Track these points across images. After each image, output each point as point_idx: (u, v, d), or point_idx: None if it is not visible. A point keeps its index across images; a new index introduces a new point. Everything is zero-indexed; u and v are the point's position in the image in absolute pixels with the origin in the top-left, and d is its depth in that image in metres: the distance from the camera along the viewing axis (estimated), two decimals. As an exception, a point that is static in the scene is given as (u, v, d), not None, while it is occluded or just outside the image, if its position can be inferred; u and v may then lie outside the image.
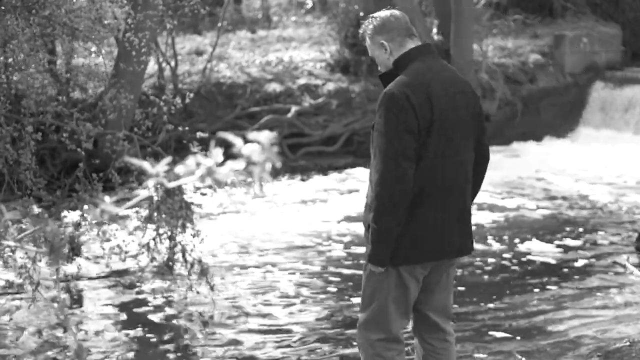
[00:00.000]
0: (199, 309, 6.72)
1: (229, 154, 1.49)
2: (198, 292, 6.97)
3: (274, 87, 13.28)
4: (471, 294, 7.00)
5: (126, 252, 6.82)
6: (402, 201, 3.45)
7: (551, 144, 13.81)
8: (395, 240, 3.50)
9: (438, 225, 3.58)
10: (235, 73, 13.61)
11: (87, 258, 7.32)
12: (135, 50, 7.55)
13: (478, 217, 9.61)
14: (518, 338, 5.97)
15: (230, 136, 1.40)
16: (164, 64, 12.74)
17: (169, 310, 6.78)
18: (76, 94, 10.69)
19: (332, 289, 7.26)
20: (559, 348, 5.72)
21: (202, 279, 6.79)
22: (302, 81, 13.48)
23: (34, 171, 6.43)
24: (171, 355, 5.86)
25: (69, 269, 6.74)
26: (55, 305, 6.49)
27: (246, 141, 1.44)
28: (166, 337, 6.21)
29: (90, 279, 7.35)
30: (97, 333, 6.28)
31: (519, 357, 5.54)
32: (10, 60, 6.59)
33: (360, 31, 3.77)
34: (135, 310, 6.77)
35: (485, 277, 7.50)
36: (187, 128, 7.68)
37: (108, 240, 6.69)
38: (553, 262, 7.94)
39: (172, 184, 1.44)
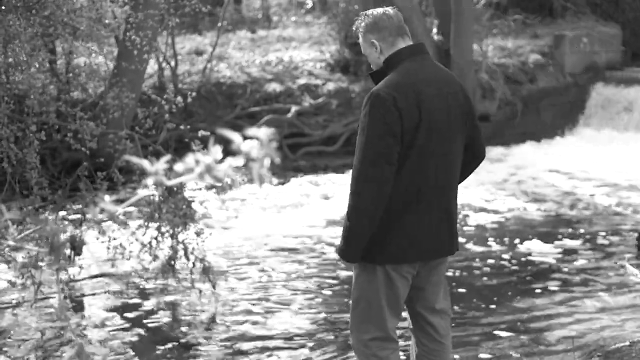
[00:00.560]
0: (200, 309, 6.73)
1: (229, 151, 1.49)
2: (200, 291, 6.98)
3: (274, 87, 13.28)
4: (471, 294, 7.00)
5: (130, 252, 6.83)
6: (377, 201, 3.46)
7: (551, 144, 13.82)
8: (368, 238, 3.51)
9: (426, 224, 3.59)
10: (235, 73, 13.62)
11: (89, 258, 7.32)
12: (136, 49, 7.56)
13: (477, 218, 9.61)
14: (518, 338, 5.97)
15: (228, 133, 1.40)
16: (164, 64, 12.74)
17: (169, 310, 6.77)
18: (76, 94, 10.69)
19: (328, 291, 7.26)
20: (559, 348, 5.72)
21: (204, 278, 6.80)
22: (302, 81, 13.48)
23: (38, 170, 6.45)
24: (172, 356, 5.86)
25: (71, 269, 6.74)
26: (56, 305, 6.49)
27: (245, 138, 1.44)
28: (167, 337, 6.20)
29: (91, 277, 7.35)
30: (97, 333, 6.28)
31: (519, 357, 5.54)
32: (10, 60, 6.60)
33: (354, 28, 3.76)
34: (135, 310, 6.77)
35: (485, 277, 7.50)
36: (188, 127, 7.69)
37: (113, 239, 6.69)
38: (553, 262, 7.94)
39: (171, 182, 1.44)
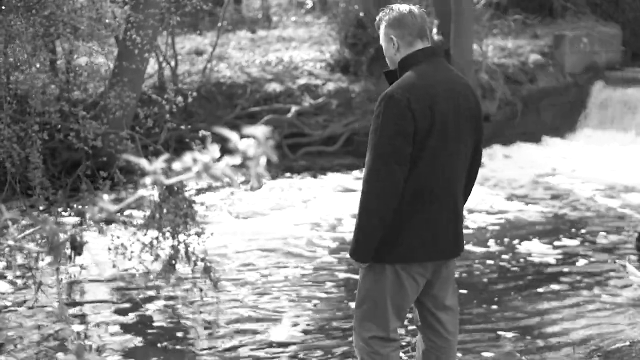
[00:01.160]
0: (202, 309, 6.73)
1: (227, 150, 1.49)
2: (201, 290, 6.98)
3: (274, 87, 13.28)
4: (471, 294, 7.00)
5: (131, 252, 6.84)
6: (388, 202, 3.48)
7: (551, 144, 13.81)
8: (379, 238, 3.53)
9: (436, 225, 3.61)
10: (235, 73, 13.61)
11: (90, 258, 7.32)
12: (137, 48, 7.56)
13: (478, 218, 9.61)
14: (518, 338, 5.97)
15: (225, 131, 1.40)
16: (163, 64, 12.74)
17: (170, 310, 6.77)
18: (76, 94, 10.69)
19: (327, 292, 7.26)
20: (559, 348, 5.73)
21: (205, 277, 6.80)
22: (302, 81, 13.48)
23: (41, 170, 6.46)
24: (172, 356, 5.86)
25: (71, 268, 6.75)
26: (56, 304, 6.49)
27: (242, 137, 1.44)
28: (167, 337, 6.20)
29: (91, 281, 7.35)
30: (97, 332, 6.28)
31: (520, 356, 5.54)
32: (11, 60, 6.60)
33: (377, 18, 3.74)
34: (136, 309, 6.76)
35: (485, 278, 7.51)
36: (189, 127, 7.69)
37: (117, 237, 6.69)
38: (553, 262, 7.94)
39: (169, 181, 1.44)
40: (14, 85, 6.71)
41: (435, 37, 13.85)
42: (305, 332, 6.22)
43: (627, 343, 5.27)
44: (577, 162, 12.62)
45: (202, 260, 6.75)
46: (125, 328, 6.38)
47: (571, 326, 6.17)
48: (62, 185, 9.18)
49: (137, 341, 6.12)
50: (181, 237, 6.76)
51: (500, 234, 8.95)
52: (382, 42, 3.73)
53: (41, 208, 6.52)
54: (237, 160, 1.42)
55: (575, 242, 8.59)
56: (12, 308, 6.63)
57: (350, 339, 5.81)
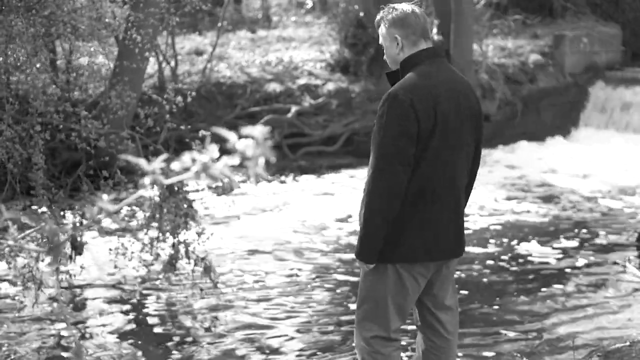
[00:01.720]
0: (202, 309, 6.73)
1: (225, 150, 1.49)
2: (202, 289, 6.98)
3: (274, 87, 13.28)
4: (471, 294, 7.00)
5: (132, 252, 6.84)
6: (392, 202, 3.49)
7: (551, 144, 13.81)
8: (383, 238, 3.53)
9: (438, 225, 3.62)
10: (235, 73, 13.62)
11: (90, 258, 7.33)
12: (137, 48, 7.55)
13: (478, 218, 9.61)
14: (518, 338, 5.97)
15: (224, 131, 1.41)
16: (163, 64, 12.74)
17: (170, 310, 6.77)
18: (77, 94, 10.69)
19: (327, 292, 7.26)
20: (559, 348, 5.73)
21: (205, 277, 6.80)
22: (302, 81, 13.48)
23: (44, 171, 6.46)
24: (173, 355, 5.86)
25: (72, 268, 6.75)
26: (56, 304, 6.49)
27: (241, 137, 1.44)
28: (168, 337, 6.20)
29: (91, 285, 7.35)
30: (97, 332, 6.28)
31: (520, 356, 5.54)
32: (11, 60, 6.60)
33: (378, 17, 3.73)
34: (136, 309, 6.77)
35: (485, 278, 7.51)
36: (189, 126, 7.69)
37: (121, 236, 6.70)
38: (553, 262, 7.94)
39: (168, 181, 1.44)
40: (14, 86, 6.71)
41: (435, 37, 13.84)
42: (305, 332, 6.23)
43: (627, 343, 5.27)
44: (577, 162, 12.62)
45: (203, 260, 6.75)
46: (125, 328, 6.38)
47: (571, 326, 6.17)
48: (62, 185, 9.18)
49: (137, 341, 6.12)
50: (181, 236, 6.76)
51: (500, 234, 8.95)
52: (383, 41, 3.71)
53: (43, 208, 6.53)
54: (235, 160, 1.42)
55: (575, 242, 8.59)
56: (12, 308, 6.63)
57: (350, 338, 5.81)
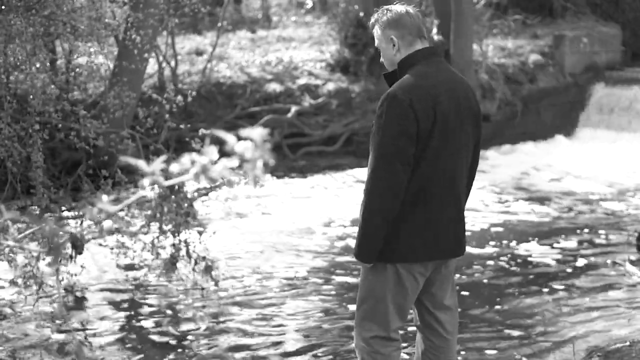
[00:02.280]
0: (202, 308, 6.73)
1: (225, 152, 1.49)
2: (203, 288, 6.98)
3: (274, 87, 13.28)
4: (471, 294, 7.00)
5: (134, 251, 6.84)
6: (391, 201, 3.49)
7: (551, 144, 13.82)
8: (382, 238, 3.53)
9: (438, 225, 3.62)
10: (235, 73, 13.61)
11: (90, 257, 7.33)
12: (137, 48, 7.56)
13: (478, 218, 9.61)
14: (518, 339, 5.97)
15: (223, 133, 1.41)
16: (163, 64, 12.74)
17: (171, 310, 6.77)
18: (76, 94, 10.69)
19: (327, 292, 7.26)
20: (559, 348, 5.72)
21: (206, 276, 6.80)
22: (302, 81, 13.48)
23: (43, 170, 6.47)
24: (173, 355, 5.86)
25: (72, 268, 6.75)
26: (56, 304, 6.49)
27: (240, 139, 1.44)
28: (168, 337, 6.20)
29: (91, 284, 7.35)
30: (97, 333, 6.28)
31: (520, 356, 5.54)
32: (11, 59, 6.61)
33: (372, 19, 3.73)
34: (136, 309, 6.77)
35: (485, 278, 7.50)
36: (189, 126, 7.69)
37: (122, 236, 6.69)
38: (553, 262, 7.94)
39: (167, 183, 1.44)
40: (14, 85, 6.71)
41: (435, 37, 13.85)
42: (305, 332, 6.22)
43: (627, 343, 5.27)
44: (577, 162, 12.62)
45: (204, 259, 6.75)
46: (125, 328, 6.38)
47: (571, 326, 6.17)
48: (62, 185, 9.18)
49: (137, 341, 6.12)
50: (182, 235, 6.76)
51: (500, 235, 8.95)
52: (379, 43, 3.71)
53: (43, 208, 6.53)
54: (234, 162, 1.42)
55: (575, 243, 8.59)
56: (12, 308, 6.63)
57: (350, 339, 5.81)
